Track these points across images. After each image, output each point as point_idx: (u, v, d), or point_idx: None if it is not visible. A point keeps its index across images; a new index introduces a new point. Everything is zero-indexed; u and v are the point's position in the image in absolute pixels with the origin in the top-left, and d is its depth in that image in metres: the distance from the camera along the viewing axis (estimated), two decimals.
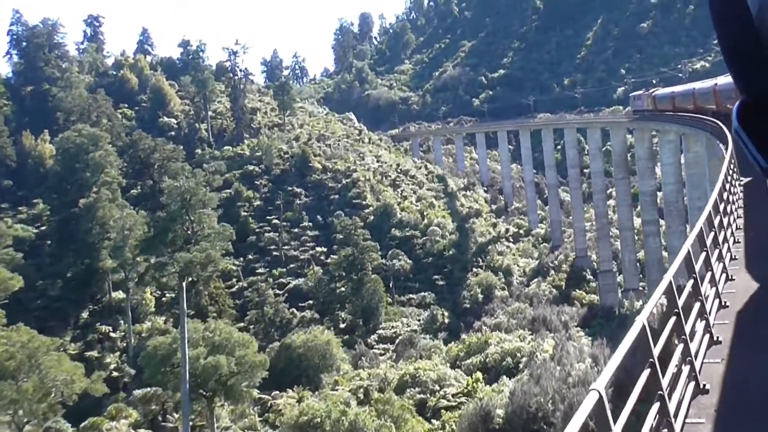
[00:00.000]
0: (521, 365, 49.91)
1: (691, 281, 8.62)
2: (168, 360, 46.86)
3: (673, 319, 7.11)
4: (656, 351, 5.80)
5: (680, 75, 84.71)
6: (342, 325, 73.06)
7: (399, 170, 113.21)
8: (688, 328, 7.51)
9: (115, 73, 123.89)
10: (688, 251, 8.75)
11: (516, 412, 38.69)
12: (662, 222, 71.81)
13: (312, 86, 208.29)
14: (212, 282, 71.46)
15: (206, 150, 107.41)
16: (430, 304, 78.29)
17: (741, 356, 8.45)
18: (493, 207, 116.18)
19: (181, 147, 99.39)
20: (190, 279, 60.53)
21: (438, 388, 50.11)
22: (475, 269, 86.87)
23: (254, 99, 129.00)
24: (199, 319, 61.11)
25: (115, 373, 63.89)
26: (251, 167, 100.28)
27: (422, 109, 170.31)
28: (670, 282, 7.20)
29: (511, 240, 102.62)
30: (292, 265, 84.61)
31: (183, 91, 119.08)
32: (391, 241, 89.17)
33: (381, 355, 66.42)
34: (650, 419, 5.69)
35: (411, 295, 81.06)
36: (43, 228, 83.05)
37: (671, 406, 6.12)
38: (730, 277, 11.73)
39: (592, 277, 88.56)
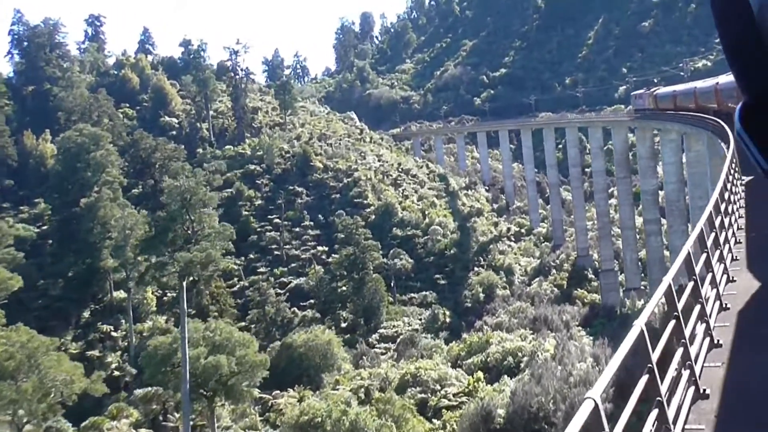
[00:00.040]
0: (522, 365, 49.87)
1: (692, 283, 8.49)
2: (168, 360, 46.84)
3: (673, 322, 6.99)
4: (655, 356, 5.70)
5: (682, 74, 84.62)
6: (343, 325, 73.02)
7: (400, 169, 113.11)
8: (688, 331, 7.38)
9: (116, 72, 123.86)
10: (689, 252, 8.64)
11: (517, 412, 38.68)
12: (664, 221, 71.71)
13: (313, 85, 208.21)
14: (213, 281, 71.46)
15: (207, 149, 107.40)
16: (432, 303, 78.23)
17: (742, 359, 8.30)
18: (495, 206, 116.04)
19: (183, 146, 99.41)
20: (191, 278, 60.55)
21: (439, 387, 50.09)
22: (476, 268, 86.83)
23: (255, 98, 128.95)
24: (201, 318, 61.08)
25: (116, 373, 63.90)
26: (252, 166, 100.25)
27: (423, 108, 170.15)
28: (670, 285, 7.09)
29: (513, 239, 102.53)
30: (293, 265, 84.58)
31: (184, 91, 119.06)
32: (393, 240, 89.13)
33: (382, 354, 66.38)
34: (648, 425, 5.59)
35: (412, 295, 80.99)
36: (45, 227, 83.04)
37: (670, 413, 6.01)
38: (731, 279, 11.59)
39: (593, 277, 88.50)
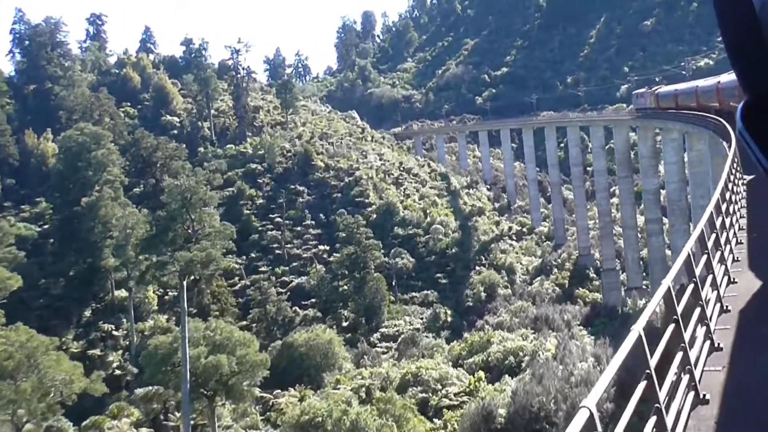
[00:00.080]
0: (524, 364, 49.81)
1: (692, 285, 8.36)
2: (169, 359, 46.81)
3: (672, 326, 6.88)
4: (653, 361, 5.60)
5: (684, 73, 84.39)
6: (344, 324, 72.98)
7: (402, 168, 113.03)
8: (687, 335, 7.26)
9: (117, 71, 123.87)
10: (689, 254, 8.52)
11: (518, 412, 38.63)
12: (665, 220, 71.61)
13: (315, 84, 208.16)
14: (214, 280, 71.44)
15: (209, 148, 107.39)
16: (433, 302, 78.18)
17: (742, 363, 8.17)
18: (496, 205, 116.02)
19: (184, 145, 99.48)
20: (191, 277, 60.51)
21: (440, 387, 50.04)
22: (477, 267, 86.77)
23: (257, 97, 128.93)
24: (202, 317, 61.06)
25: (117, 372, 63.95)
26: (254, 165, 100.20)
27: (425, 107, 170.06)
28: (669, 288, 6.98)
29: (514, 238, 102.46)
30: (294, 264, 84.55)
31: (185, 90, 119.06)
32: (394, 239, 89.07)
33: (383, 353, 66.31)
34: None
35: (414, 294, 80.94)
36: (46, 227, 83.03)
37: (669, 419, 5.90)
38: (732, 280, 11.47)
39: (595, 276, 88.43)
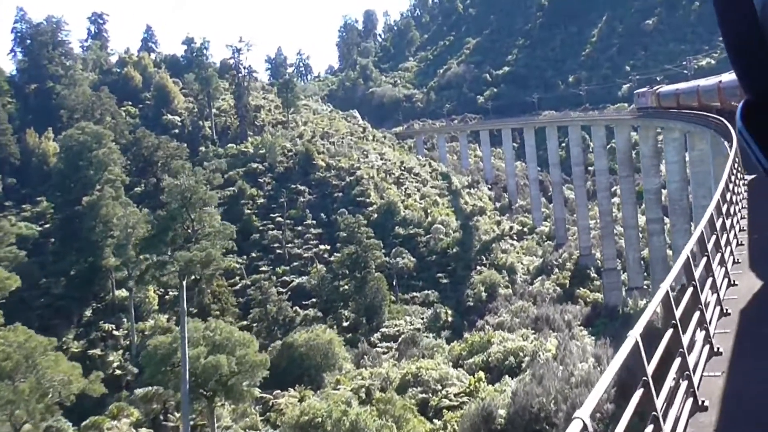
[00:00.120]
0: (524, 365, 49.72)
1: (691, 289, 8.21)
2: (168, 359, 46.74)
3: (670, 331, 6.74)
4: (650, 368, 5.46)
5: (685, 72, 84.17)
6: (345, 324, 72.90)
7: (403, 168, 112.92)
8: (686, 339, 7.12)
9: (118, 70, 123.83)
10: (688, 257, 8.38)
11: (518, 413, 38.53)
12: (667, 220, 71.47)
13: (316, 84, 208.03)
14: (215, 280, 71.38)
15: (210, 148, 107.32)
16: (434, 302, 78.10)
17: (742, 368, 8.02)
18: (497, 205, 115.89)
19: (185, 145, 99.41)
20: (192, 277, 60.45)
21: (440, 387, 49.96)
22: (478, 267, 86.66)
23: (258, 96, 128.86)
24: (202, 317, 60.99)
25: (117, 372, 63.93)
26: (255, 165, 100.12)
27: (426, 106, 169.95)
28: (667, 291, 6.84)
29: (515, 238, 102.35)
30: (295, 263, 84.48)
31: (187, 89, 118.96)
32: (395, 239, 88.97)
33: (384, 353, 66.24)
34: None
35: (414, 294, 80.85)
36: (47, 226, 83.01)
37: (666, 427, 5.77)
38: (732, 282, 11.31)
39: (596, 276, 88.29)
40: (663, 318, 7.13)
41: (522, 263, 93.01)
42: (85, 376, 52.19)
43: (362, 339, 68.62)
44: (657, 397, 5.67)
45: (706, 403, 7.00)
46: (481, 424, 39.42)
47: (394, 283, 79.86)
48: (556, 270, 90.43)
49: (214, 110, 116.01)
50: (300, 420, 40.28)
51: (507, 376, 48.35)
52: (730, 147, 22.98)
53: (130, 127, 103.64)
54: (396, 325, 72.87)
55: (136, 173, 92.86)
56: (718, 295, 9.99)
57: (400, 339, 68.75)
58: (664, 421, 5.77)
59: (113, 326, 70.21)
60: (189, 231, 62.06)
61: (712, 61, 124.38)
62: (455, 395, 48.22)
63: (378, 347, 68.08)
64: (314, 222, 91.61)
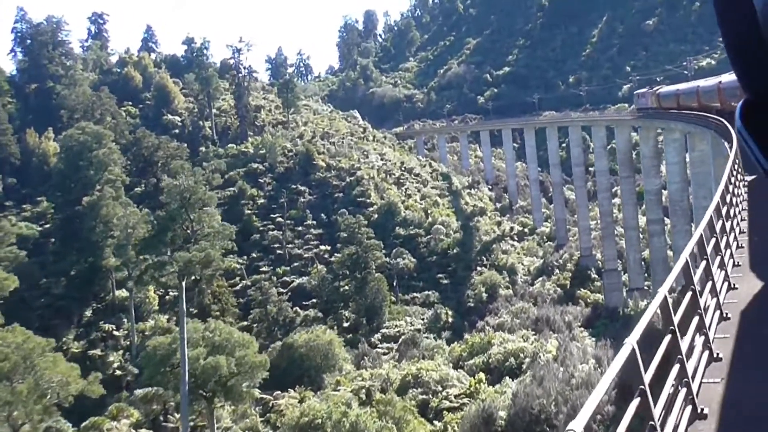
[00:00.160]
0: (524, 366, 49.64)
1: (690, 293, 8.09)
2: (167, 360, 46.67)
3: (669, 337, 6.64)
4: (647, 377, 5.37)
5: (686, 72, 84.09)
6: (345, 324, 72.85)
7: (403, 168, 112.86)
8: (685, 345, 7.01)
9: (119, 70, 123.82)
10: (686, 261, 8.28)
11: (518, 414, 38.48)
12: (667, 221, 71.36)
13: (316, 84, 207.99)
14: (215, 281, 71.31)
15: (210, 148, 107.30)
16: (434, 303, 78.03)
17: (743, 374, 7.89)
18: (498, 205, 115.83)
19: (185, 145, 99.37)
20: (192, 278, 60.38)
21: (440, 388, 49.90)
22: (479, 268, 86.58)
23: (258, 97, 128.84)
24: (202, 317, 60.98)
25: (118, 372, 63.90)
26: (255, 165, 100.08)
27: (427, 106, 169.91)
28: (665, 297, 6.75)
29: (516, 239, 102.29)
30: (295, 264, 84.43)
31: (187, 89, 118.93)
32: (395, 239, 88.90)
33: (384, 354, 66.18)
34: None
35: (415, 294, 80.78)
36: (47, 226, 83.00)
37: None
38: (732, 286, 11.17)
39: (596, 276, 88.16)
40: (663, 320, 6.98)
41: (522, 264, 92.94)
42: (85, 377, 52.17)
43: (362, 340, 68.56)
44: (655, 405, 5.57)
45: (706, 411, 6.86)
46: (482, 425, 39.37)
47: (395, 283, 79.81)
48: (557, 271, 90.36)
49: (214, 110, 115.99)
50: (300, 421, 40.26)
51: (507, 378, 48.30)
52: (731, 148, 22.90)
53: (131, 127, 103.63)
54: (396, 325, 72.81)
55: (136, 173, 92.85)
56: (718, 299, 9.86)
57: (400, 340, 68.68)
58: (662, 430, 5.68)
59: (113, 326, 70.19)
60: (188, 231, 61.99)
61: (713, 62, 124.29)
62: (455, 396, 48.16)
63: (378, 348, 68.02)
64: (314, 222, 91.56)
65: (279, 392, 55.12)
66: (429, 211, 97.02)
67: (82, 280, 73.04)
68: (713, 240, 10.92)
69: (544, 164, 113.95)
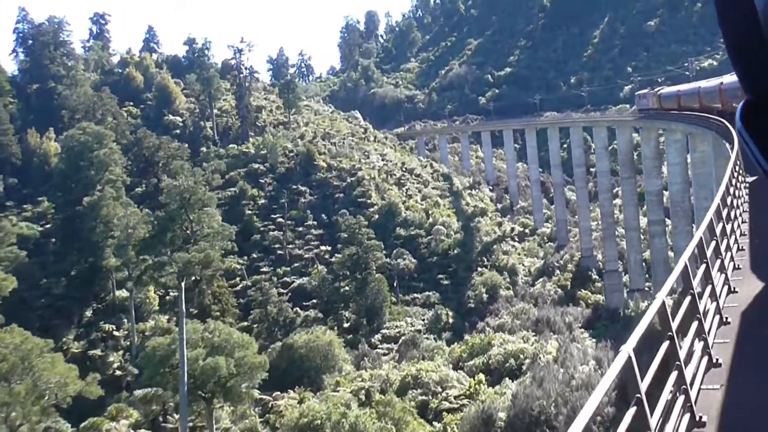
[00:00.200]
0: (524, 367, 49.53)
1: (689, 298, 7.95)
2: (167, 361, 46.62)
3: (667, 343, 6.51)
4: (644, 386, 5.25)
5: (687, 73, 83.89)
6: (346, 325, 72.78)
7: (404, 169, 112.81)
8: (683, 351, 6.88)
9: (120, 71, 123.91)
10: (685, 265, 8.15)
11: (518, 416, 38.38)
12: (668, 222, 71.18)
13: (318, 84, 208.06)
14: (215, 281, 71.26)
15: (211, 148, 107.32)
16: (435, 303, 77.94)
17: (743, 380, 7.73)
18: (499, 206, 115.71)
19: (186, 145, 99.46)
20: (192, 278, 60.31)
21: (440, 389, 49.79)
22: (480, 269, 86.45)
23: (259, 97, 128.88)
24: (203, 318, 60.96)
25: (118, 372, 63.87)
26: (256, 165, 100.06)
27: (428, 107, 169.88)
28: (663, 303, 6.62)
29: (517, 239, 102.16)
30: (296, 264, 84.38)
31: (188, 89, 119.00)
32: (396, 240, 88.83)
33: (384, 355, 66.10)
34: None
35: (415, 295, 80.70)
36: (48, 226, 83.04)
37: None
38: (732, 289, 11.04)
39: (597, 277, 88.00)
40: (661, 327, 6.83)
41: (523, 265, 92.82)
42: (85, 377, 52.14)
43: (363, 340, 68.48)
44: (652, 414, 5.45)
45: (704, 419, 6.72)
46: (481, 426, 39.28)
47: (395, 284, 79.73)
48: (558, 271, 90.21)
49: (215, 111, 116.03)
50: (299, 422, 40.20)
51: (507, 379, 48.20)
52: (732, 149, 22.79)
53: (132, 127, 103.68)
54: (396, 326, 72.72)
55: (137, 174, 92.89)
56: (718, 303, 9.72)
57: (400, 340, 68.59)
58: None
59: (114, 327, 70.18)
60: (188, 232, 61.93)
61: (714, 63, 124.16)
62: (455, 398, 48.06)
63: (378, 349, 67.93)
64: (315, 223, 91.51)
65: (278, 393, 55.04)
66: (430, 212, 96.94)
67: (83, 280, 73.05)
68: (713, 243, 10.78)
69: (545, 165, 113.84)
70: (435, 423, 45.60)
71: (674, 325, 6.68)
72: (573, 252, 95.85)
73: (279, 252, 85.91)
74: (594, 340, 57.96)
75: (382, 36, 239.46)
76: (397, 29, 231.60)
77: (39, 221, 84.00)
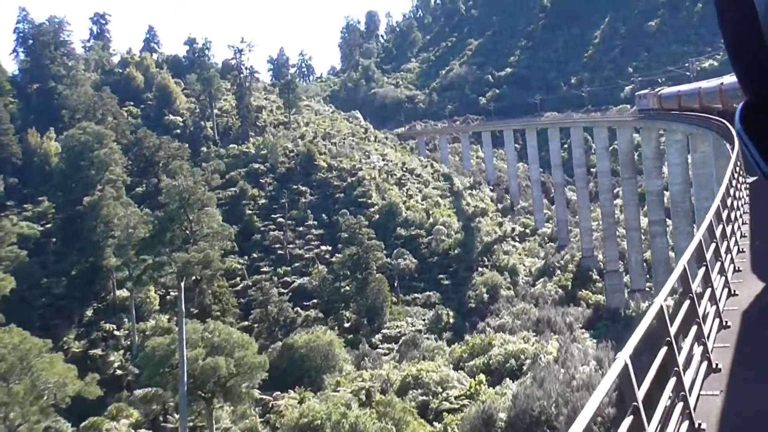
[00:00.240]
0: (525, 367, 49.51)
1: (688, 302, 7.87)
2: (166, 361, 46.62)
3: (665, 349, 6.44)
4: (641, 394, 5.20)
5: (688, 74, 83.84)
6: (346, 325, 72.77)
7: (405, 169, 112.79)
8: (682, 357, 6.80)
9: (120, 71, 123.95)
10: (684, 268, 8.07)
11: (519, 416, 38.37)
12: (669, 222, 71.15)
13: (318, 84, 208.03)
14: (216, 281, 71.25)
15: (211, 148, 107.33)
16: (435, 303, 77.92)
17: (743, 386, 7.62)
18: (499, 206, 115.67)
19: (186, 145, 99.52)
20: (192, 278, 60.31)
21: (440, 390, 49.77)
22: (480, 269, 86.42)
23: (260, 97, 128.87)
24: (203, 318, 60.95)
25: (118, 372, 63.88)
26: (256, 165, 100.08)
27: (428, 107, 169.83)
28: (662, 307, 6.56)
29: (517, 239, 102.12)
30: (296, 264, 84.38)
31: (188, 89, 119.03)
32: (396, 240, 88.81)
33: (385, 355, 66.08)
34: None
35: (416, 295, 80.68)
36: (48, 226, 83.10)
37: None
38: (732, 292, 10.94)
39: (598, 278, 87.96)
40: (659, 332, 6.75)
41: (524, 265, 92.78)
42: (85, 377, 52.10)
43: (363, 340, 68.47)
44: (650, 421, 5.39)
45: (703, 426, 6.63)
46: (482, 427, 39.28)
47: (396, 284, 79.71)
48: (558, 272, 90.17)
49: (215, 111, 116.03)
50: (299, 422, 40.20)
51: (508, 379, 48.19)
52: (732, 149, 22.75)
53: (132, 127, 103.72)
54: (397, 326, 72.71)
55: (137, 173, 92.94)
56: (718, 306, 9.60)
57: (401, 340, 68.57)
58: None
59: (114, 326, 70.23)
60: (187, 232, 61.92)
61: (715, 63, 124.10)
62: (456, 398, 48.04)
63: (379, 349, 67.92)
64: (315, 223, 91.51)
65: (279, 393, 55.04)
66: (430, 212, 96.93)
67: (83, 279, 73.10)
68: (713, 245, 10.71)
69: (546, 165, 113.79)
70: (435, 423, 45.59)
71: (673, 330, 6.61)
72: (574, 252, 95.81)
73: (279, 252, 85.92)
74: (595, 340, 57.95)
75: (382, 36, 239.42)
76: (397, 29, 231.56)
77: (39, 221, 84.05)
